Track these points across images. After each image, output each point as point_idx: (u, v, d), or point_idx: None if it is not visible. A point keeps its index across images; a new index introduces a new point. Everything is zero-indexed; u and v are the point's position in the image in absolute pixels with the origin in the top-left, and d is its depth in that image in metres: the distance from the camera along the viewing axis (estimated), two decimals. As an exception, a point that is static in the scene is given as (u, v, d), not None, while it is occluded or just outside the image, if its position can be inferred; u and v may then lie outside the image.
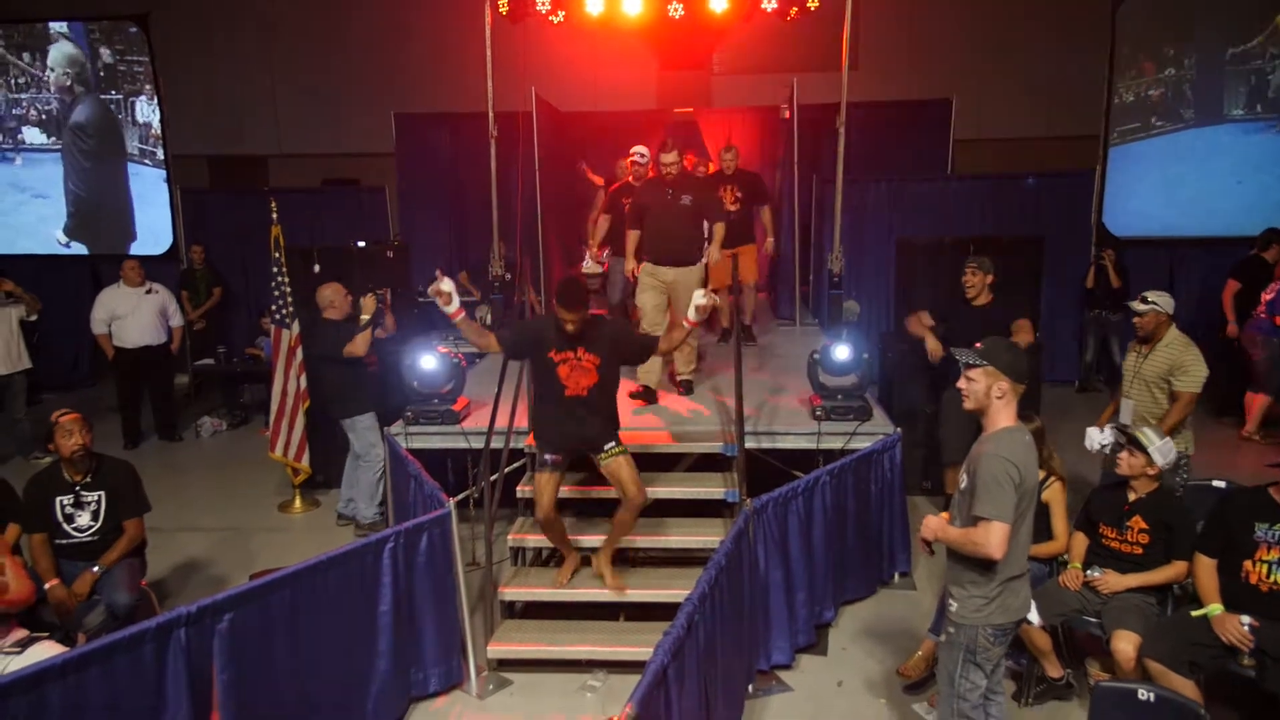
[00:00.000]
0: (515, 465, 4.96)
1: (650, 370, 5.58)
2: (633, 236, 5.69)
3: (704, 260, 5.62)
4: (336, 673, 3.66)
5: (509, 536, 4.72)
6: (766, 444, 5.01)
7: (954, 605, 2.96)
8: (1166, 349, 4.53)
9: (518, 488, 4.82)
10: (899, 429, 4.96)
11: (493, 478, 4.63)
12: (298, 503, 6.40)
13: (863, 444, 4.86)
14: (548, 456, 4.14)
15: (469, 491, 4.96)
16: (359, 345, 5.65)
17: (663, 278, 5.53)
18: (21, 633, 3.49)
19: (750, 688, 3.99)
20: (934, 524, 3.04)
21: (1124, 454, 3.84)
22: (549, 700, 4.03)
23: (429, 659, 4.02)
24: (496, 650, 4.25)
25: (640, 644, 4.10)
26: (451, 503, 4.06)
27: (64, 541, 4.12)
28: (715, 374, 6.12)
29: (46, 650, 3.35)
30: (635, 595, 4.37)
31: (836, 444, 4.95)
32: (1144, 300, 4.58)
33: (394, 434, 5.22)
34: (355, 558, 3.72)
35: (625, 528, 4.26)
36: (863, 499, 4.72)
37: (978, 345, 2.96)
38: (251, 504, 6.49)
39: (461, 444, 5.21)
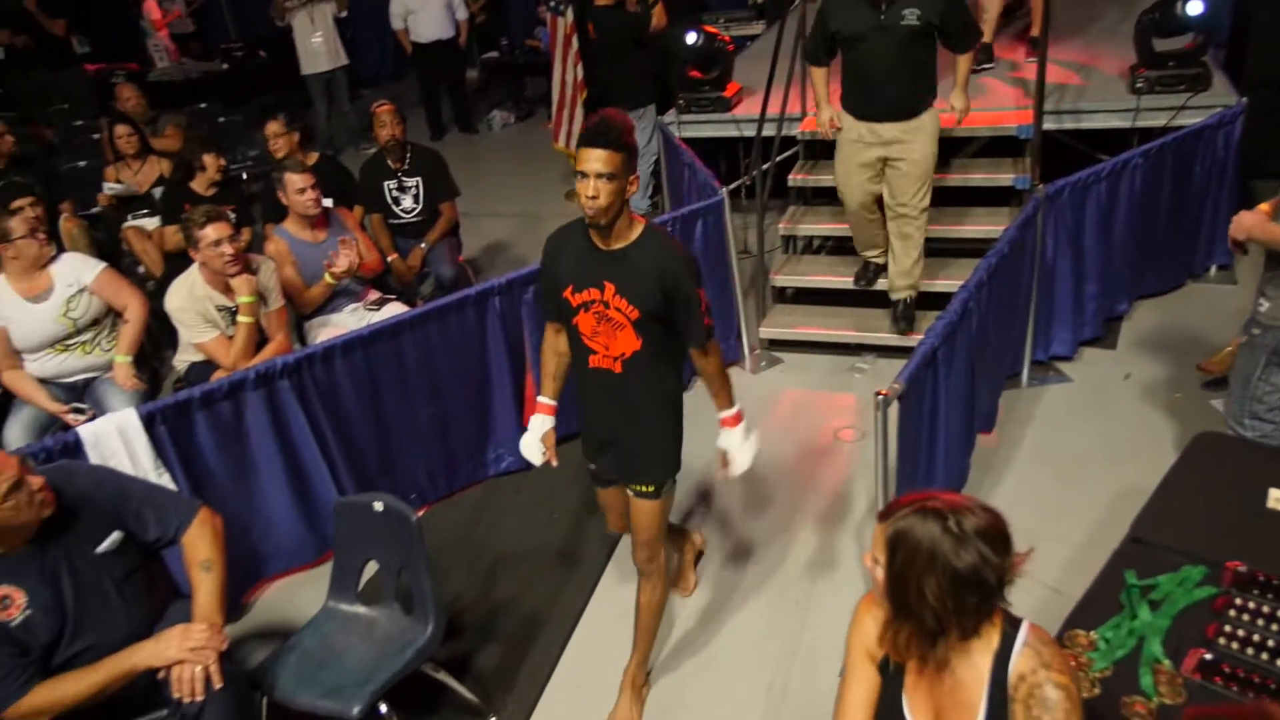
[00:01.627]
0: (787, 154, 4.86)
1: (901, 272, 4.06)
2: (819, 75, 3.92)
3: (944, 106, 3.76)
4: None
5: (780, 225, 4.77)
6: (1069, 124, 4.48)
7: (1265, 305, 2.65)
8: None
9: (790, 176, 4.77)
10: (1244, 99, 4.19)
11: (764, 166, 4.61)
12: (582, 191, 6.81)
13: (1193, 119, 4.19)
14: (592, 465, 2.61)
15: (741, 180, 4.99)
16: (660, 19, 5.56)
17: (878, 136, 3.77)
18: (376, 294, 4.20)
19: (1024, 377, 3.94)
20: (1248, 220, 2.61)
21: None
22: (817, 378, 4.27)
23: (706, 334, 4.34)
24: (768, 331, 4.49)
25: (910, 330, 4.16)
26: (724, 191, 4.12)
27: (394, 222, 4.75)
28: (1010, 55, 5.41)
29: (396, 308, 4.02)
30: (908, 283, 4.33)
31: (1158, 121, 4.31)
32: None
33: (666, 123, 5.27)
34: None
35: (649, 625, 2.65)
36: (1182, 183, 4.16)
37: None
38: (541, 192, 7.01)
39: (733, 132, 5.16)
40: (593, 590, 3.18)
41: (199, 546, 2.33)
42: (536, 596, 3.18)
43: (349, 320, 4.02)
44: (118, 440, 2.81)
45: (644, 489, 2.46)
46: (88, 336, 3.62)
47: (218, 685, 2.17)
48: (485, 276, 5.46)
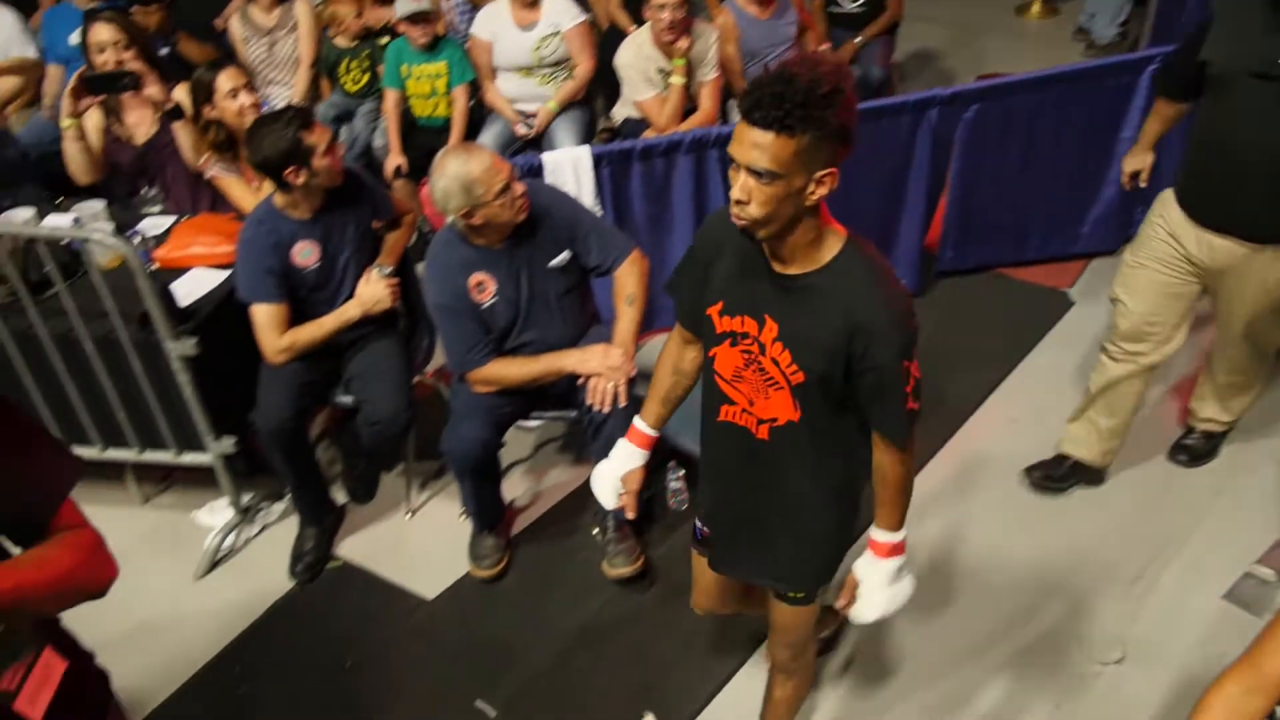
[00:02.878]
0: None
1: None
2: (1162, 110, 2.54)
3: None
4: (1060, 189, 3.68)
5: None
6: None
7: None
8: None
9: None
10: None
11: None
12: (1035, 8, 6.05)
13: None
14: (700, 525, 1.94)
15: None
16: None
17: (1207, 256, 2.35)
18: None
19: None
20: None
21: None
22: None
23: (1155, 199, 3.80)
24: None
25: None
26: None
27: (834, 10, 4.56)
28: None
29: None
30: None
31: None
32: None
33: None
34: (1106, 74, 3.48)
35: (786, 710, 2.08)
36: None
37: None
38: (988, 2, 6.31)
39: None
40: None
41: (628, 282, 2.57)
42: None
43: (771, 104, 4.01)
44: (570, 171, 3.12)
45: (792, 595, 1.79)
46: (547, 72, 3.97)
47: (623, 403, 2.46)
48: (907, 86, 5.15)
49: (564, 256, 2.54)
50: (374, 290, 2.67)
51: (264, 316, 2.55)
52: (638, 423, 1.89)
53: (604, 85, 4.34)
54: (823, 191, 1.36)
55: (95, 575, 1.20)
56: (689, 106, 3.83)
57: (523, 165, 3.09)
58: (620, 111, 4.02)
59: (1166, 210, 2.40)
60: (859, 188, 3.49)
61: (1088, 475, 2.82)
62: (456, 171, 2.27)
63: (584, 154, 3.12)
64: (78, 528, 1.19)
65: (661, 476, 2.90)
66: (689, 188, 3.31)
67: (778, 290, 1.49)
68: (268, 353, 2.58)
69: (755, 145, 1.29)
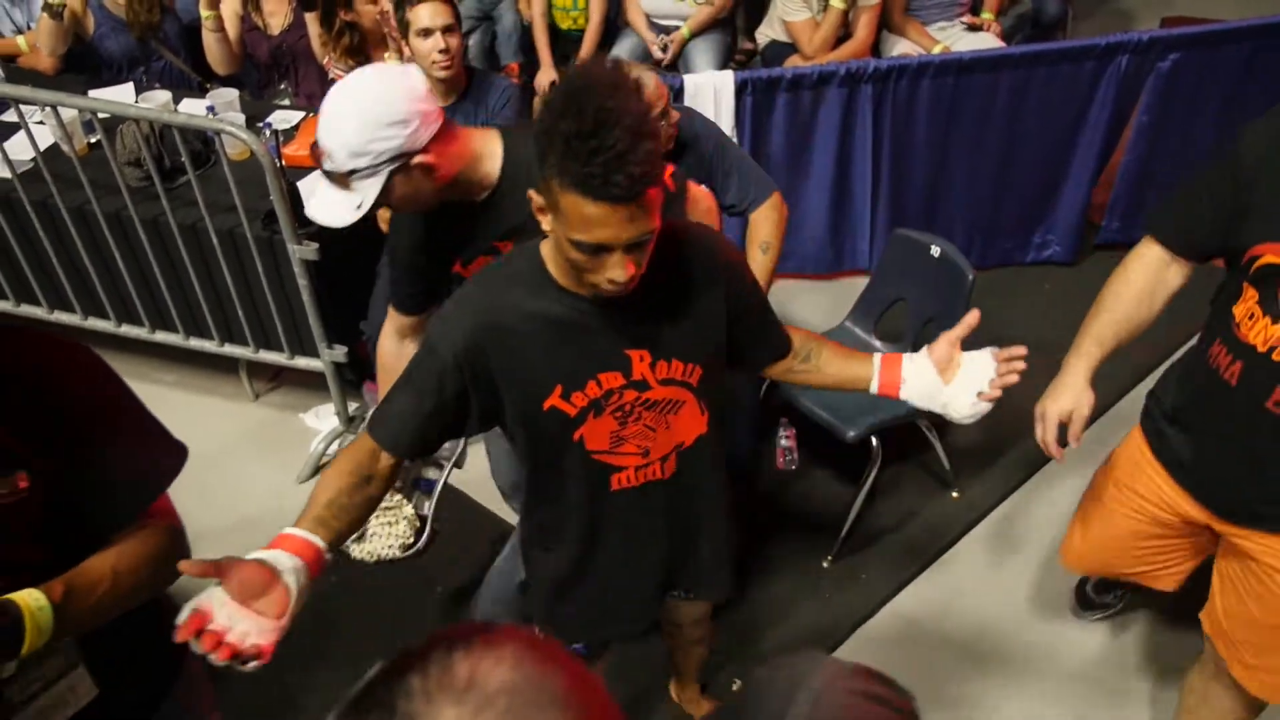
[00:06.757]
0: None
1: None
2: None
3: None
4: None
5: None
6: None
7: None
8: None
9: None
10: None
11: None
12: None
13: None
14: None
15: None
16: None
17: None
18: (970, 18, 3.74)
19: None
20: None
21: None
22: None
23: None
24: None
25: None
26: None
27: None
28: None
29: (987, 39, 3.59)
30: None
31: None
32: None
33: None
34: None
35: (699, 652, 2.12)
36: None
37: None
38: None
39: None
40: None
41: (763, 227, 2.37)
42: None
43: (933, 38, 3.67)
44: (710, 96, 2.90)
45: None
46: (692, -9, 3.71)
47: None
48: (1078, 28, 4.65)
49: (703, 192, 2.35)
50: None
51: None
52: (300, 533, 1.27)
53: (745, 1, 4.07)
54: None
55: (161, 580, 1.15)
56: (840, 34, 3.54)
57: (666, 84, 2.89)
58: (765, 32, 3.75)
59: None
60: (1022, 138, 3.17)
61: None
62: None
63: (726, 80, 2.88)
64: (155, 525, 1.11)
65: (773, 434, 2.76)
66: (835, 125, 3.05)
67: (631, 319, 1.32)
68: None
69: (631, 220, 1.14)
